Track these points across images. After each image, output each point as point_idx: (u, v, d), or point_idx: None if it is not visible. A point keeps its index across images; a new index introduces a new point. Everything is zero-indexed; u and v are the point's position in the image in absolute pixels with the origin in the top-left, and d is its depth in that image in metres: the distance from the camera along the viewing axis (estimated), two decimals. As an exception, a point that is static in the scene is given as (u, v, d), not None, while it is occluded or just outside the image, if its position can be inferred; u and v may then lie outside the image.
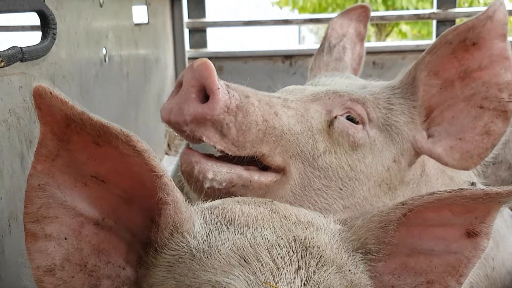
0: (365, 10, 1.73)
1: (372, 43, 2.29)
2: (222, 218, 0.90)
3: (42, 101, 0.76)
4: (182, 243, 0.87)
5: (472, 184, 1.45)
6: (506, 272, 1.40)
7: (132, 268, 0.92)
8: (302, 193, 1.21)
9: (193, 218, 0.89)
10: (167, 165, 2.60)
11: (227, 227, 0.88)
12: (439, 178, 1.39)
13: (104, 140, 0.80)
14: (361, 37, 1.74)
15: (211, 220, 0.90)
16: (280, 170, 1.21)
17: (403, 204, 0.89)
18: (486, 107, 1.26)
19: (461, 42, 1.25)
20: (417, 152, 1.30)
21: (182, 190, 1.28)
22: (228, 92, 1.12)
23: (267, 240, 0.85)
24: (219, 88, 1.10)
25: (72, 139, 0.80)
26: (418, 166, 1.34)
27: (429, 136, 1.30)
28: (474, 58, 1.26)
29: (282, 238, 0.85)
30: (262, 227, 0.88)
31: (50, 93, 0.75)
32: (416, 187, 1.32)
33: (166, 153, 2.77)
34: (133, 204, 0.91)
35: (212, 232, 0.87)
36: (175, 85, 1.18)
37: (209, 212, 0.92)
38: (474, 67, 1.27)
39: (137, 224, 0.91)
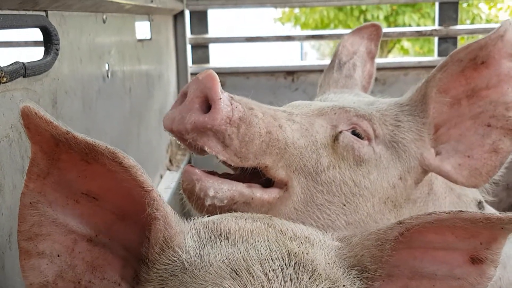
0: (376, 29, 1.74)
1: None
2: (217, 232, 0.89)
3: (30, 121, 0.77)
4: (173, 258, 0.86)
5: (479, 203, 1.44)
6: (514, 291, 1.38)
7: (127, 284, 0.92)
8: (305, 208, 1.20)
9: (184, 232, 0.89)
10: (169, 180, 2.59)
11: (221, 240, 0.87)
12: (447, 197, 1.38)
13: (92, 158, 0.81)
14: (372, 55, 1.75)
15: (205, 234, 0.89)
16: (282, 185, 1.20)
17: (400, 223, 0.87)
18: (493, 125, 1.26)
19: (471, 61, 1.26)
20: (425, 170, 1.29)
21: (184, 208, 1.28)
22: (231, 104, 1.12)
23: (260, 253, 0.84)
24: (220, 98, 1.10)
25: (62, 157, 0.82)
26: (425, 184, 1.33)
27: (436, 154, 1.29)
28: (482, 76, 1.26)
29: (275, 252, 0.85)
30: (256, 241, 0.87)
31: (35, 113, 0.76)
32: (424, 206, 1.31)
33: (168, 169, 2.76)
34: (127, 220, 0.91)
35: (205, 246, 0.87)
36: (179, 95, 1.18)
37: (204, 226, 0.91)
38: (482, 86, 1.27)
39: (132, 240, 0.91)
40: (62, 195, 0.85)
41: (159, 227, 0.86)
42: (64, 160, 0.82)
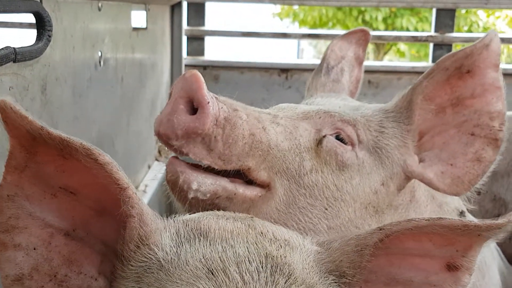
0: (365, 34, 1.75)
1: (369, 62, 2.30)
2: (197, 231, 0.90)
3: (7, 116, 0.78)
4: (149, 255, 0.87)
5: (461, 212, 1.46)
6: (490, 301, 1.40)
7: (105, 279, 0.92)
8: (287, 210, 1.20)
9: (160, 230, 0.89)
10: (157, 171, 2.59)
11: (200, 239, 0.88)
12: (428, 205, 1.39)
13: (68, 153, 0.82)
14: (360, 61, 1.75)
15: (184, 232, 0.89)
16: (265, 186, 1.20)
17: (380, 229, 0.88)
18: (477, 134, 1.27)
19: (457, 69, 1.27)
20: (408, 177, 1.30)
21: (168, 198, 1.29)
22: (217, 104, 1.12)
23: (237, 254, 0.85)
24: (208, 102, 1.09)
25: (39, 151, 0.83)
26: (408, 191, 1.34)
27: (420, 161, 1.30)
28: (467, 85, 1.27)
29: (253, 254, 0.85)
30: (235, 242, 0.87)
31: (11, 108, 0.77)
32: (405, 212, 1.32)
33: (157, 159, 2.76)
34: (105, 216, 0.91)
35: (183, 244, 0.87)
36: (169, 96, 1.18)
37: (184, 224, 0.92)
38: (466, 95, 1.28)
39: (109, 235, 0.92)
40: (40, 189, 0.86)
41: (134, 224, 0.87)
42: (42, 154, 0.83)
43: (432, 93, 1.28)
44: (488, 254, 1.50)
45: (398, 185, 1.30)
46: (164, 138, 1.13)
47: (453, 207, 1.45)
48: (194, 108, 1.11)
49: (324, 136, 1.25)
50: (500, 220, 0.83)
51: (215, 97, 1.14)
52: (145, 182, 2.40)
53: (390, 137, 1.29)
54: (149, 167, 2.57)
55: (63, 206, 0.88)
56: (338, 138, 1.26)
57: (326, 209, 1.21)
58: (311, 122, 1.27)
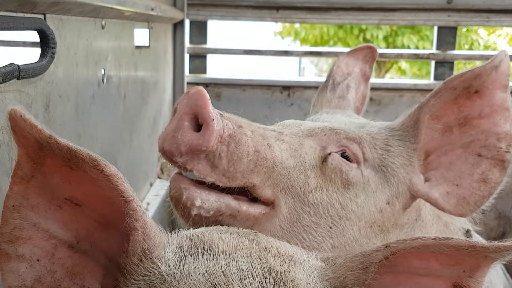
0: (371, 50, 1.74)
1: (371, 80, 2.31)
2: (200, 245, 0.89)
3: (16, 124, 0.78)
4: (152, 269, 0.86)
5: (467, 231, 1.44)
6: (496, 322, 1.38)
7: None
8: (291, 228, 1.19)
9: (164, 244, 0.88)
10: (159, 188, 2.58)
11: (203, 253, 0.87)
12: (434, 224, 1.38)
13: (75, 164, 0.82)
14: (366, 77, 1.75)
15: (187, 246, 0.89)
16: (269, 203, 1.19)
17: (386, 247, 0.87)
18: (484, 155, 1.26)
19: (465, 89, 1.26)
20: (413, 196, 1.28)
21: (171, 215, 1.27)
22: (222, 121, 1.11)
23: (241, 269, 0.84)
24: (213, 119, 1.09)
25: (46, 161, 0.83)
26: (413, 210, 1.33)
27: (425, 180, 1.29)
28: (475, 105, 1.27)
29: (257, 269, 0.84)
30: (239, 256, 0.87)
31: (21, 116, 0.77)
32: (411, 232, 1.31)
33: (159, 177, 2.75)
34: (109, 229, 0.91)
35: (186, 258, 0.86)
36: (172, 113, 1.17)
37: (188, 239, 0.91)
38: (474, 115, 1.27)
39: (113, 248, 0.91)
40: (45, 200, 0.85)
41: (138, 238, 0.86)
42: (48, 165, 0.83)
43: (439, 112, 1.27)
44: (494, 273, 1.48)
45: (403, 204, 1.28)
46: (168, 154, 1.13)
47: (459, 226, 1.43)
48: (199, 124, 1.11)
49: (329, 154, 1.24)
50: (508, 242, 0.82)
51: (220, 114, 1.13)
52: (147, 199, 2.38)
53: (396, 155, 1.28)
54: (151, 184, 2.56)
55: (67, 217, 0.88)
56: (343, 155, 1.25)
57: (331, 227, 1.20)
58: (316, 139, 1.26)
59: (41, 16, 1.25)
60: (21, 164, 0.83)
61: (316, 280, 0.88)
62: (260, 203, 1.19)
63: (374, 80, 1.89)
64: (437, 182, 1.27)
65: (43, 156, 0.82)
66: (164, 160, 2.80)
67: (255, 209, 1.17)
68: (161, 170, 2.80)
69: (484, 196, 1.25)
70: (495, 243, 0.82)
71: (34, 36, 1.27)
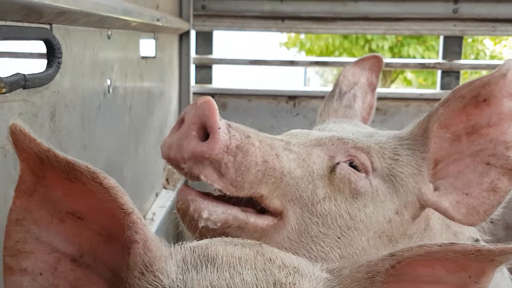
0: (378, 60, 1.74)
1: (377, 89, 2.29)
2: (204, 257, 0.88)
3: (17, 139, 0.79)
4: (154, 282, 0.85)
5: (476, 241, 1.43)
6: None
7: None
8: (299, 239, 1.18)
9: (166, 257, 0.87)
10: (165, 199, 2.57)
11: (207, 266, 0.86)
12: (443, 234, 1.37)
13: (74, 177, 0.82)
14: (373, 87, 1.74)
15: (191, 259, 0.88)
16: (277, 214, 1.18)
17: (392, 255, 0.86)
18: (493, 164, 1.25)
19: (473, 98, 1.25)
20: (422, 205, 1.27)
21: (177, 228, 1.26)
22: (229, 132, 1.11)
23: (245, 281, 0.83)
24: (220, 128, 1.08)
25: (47, 175, 0.83)
26: (422, 220, 1.32)
27: (434, 189, 1.28)
28: (483, 114, 1.26)
29: (262, 281, 0.83)
30: (243, 268, 0.86)
31: (21, 130, 0.78)
32: (420, 241, 1.29)
33: (164, 187, 2.74)
34: (112, 242, 0.90)
35: (190, 271, 0.85)
36: (177, 121, 1.16)
37: (191, 251, 0.90)
38: (482, 123, 1.26)
39: (116, 262, 0.90)
40: (47, 213, 0.86)
41: (138, 250, 0.85)
42: (50, 178, 0.83)
43: (448, 121, 1.26)
44: (499, 274, 1.47)
45: (412, 214, 1.27)
46: (174, 162, 1.12)
47: (468, 236, 1.42)
48: (206, 135, 1.10)
49: (338, 163, 1.23)
50: None
51: (228, 124, 1.12)
52: (153, 210, 2.38)
53: (404, 164, 1.27)
54: (156, 195, 2.55)
55: (70, 231, 0.88)
56: (351, 165, 1.24)
57: (339, 238, 1.19)
58: (324, 149, 1.26)
59: (48, 26, 1.25)
60: (23, 178, 0.83)
61: None
62: (268, 214, 1.18)
63: (380, 89, 1.88)
64: (446, 191, 1.26)
65: (45, 170, 0.82)
66: (170, 170, 2.80)
67: (263, 221, 1.16)
68: (167, 180, 2.79)
69: (493, 205, 1.23)
70: (501, 245, 0.81)
71: (40, 46, 1.27)
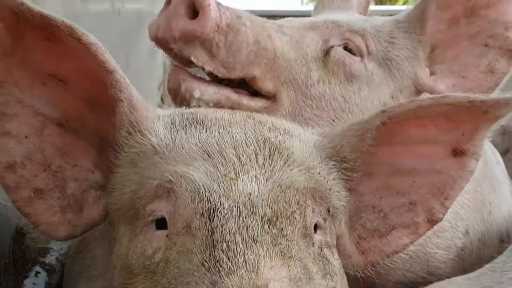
0: None
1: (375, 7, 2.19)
2: (193, 120, 0.88)
3: None
4: (142, 141, 0.85)
5: None
6: (502, 217, 1.36)
7: (102, 173, 0.90)
8: (292, 122, 1.16)
9: (154, 118, 0.87)
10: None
11: (196, 126, 0.86)
12: None
13: (52, 34, 0.80)
14: None
15: (180, 121, 0.88)
16: (270, 97, 1.16)
17: (382, 112, 0.85)
18: (491, 45, 1.22)
19: None
20: (418, 90, 1.25)
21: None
22: (219, 10, 1.07)
23: (234, 139, 0.83)
24: (210, 5, 1.05)
25: (25, 35, 0.82)
26: None
27: (431, 74, 1.25)
28: None
29: (251, 138, 0.84)
30: (233, 128, 0.86)
31: None
32: None
33: (160, 107, 2.72)
34: (98, 107, 0.89)
35: (178, 131, 0.85)
36: (165, 2, 1.12)
37: (179, 115, 0.90)
38: (481, 4, 1.23)
39: (104, 127, 0.89)
40: (28, 76, 0.84)
41: (124, 109, 0.85)
42: (28, 38, 0.82)
43: (447, 2, 1.22)
44: (499, 171, 1.47)
45: (408, 99, 1.24)
46: (162, 42, 1.09)
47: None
48: (195, 13, 1.06)
49: (332, 47, 1.20)
50: (507, 96, 0.80)
51: (218, 2, 1.08)
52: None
53: (400, 48, 1.24)
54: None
55: (53, 95, 0.86)
56: (346, 49, 1.21)
57: (333, 120, 1.17)
58: (319, 32, 1.22)
59: None
60: (1, 39, 0.81)
61: (312, 150, 0.87)
62: (261, 96, 1.16)
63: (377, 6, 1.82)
64: (442, 75, 1.24)
65: (22, 30, 0.81)
66: (165, 90, 2.76)
67: (256, 103, 1.14)
68: (162, 100, 2.76)
69: (490, 87, 1.22)
70: (494, 96, 0.80)
71: None
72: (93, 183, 0.89)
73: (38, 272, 1.25)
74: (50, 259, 1.29)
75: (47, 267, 1.26)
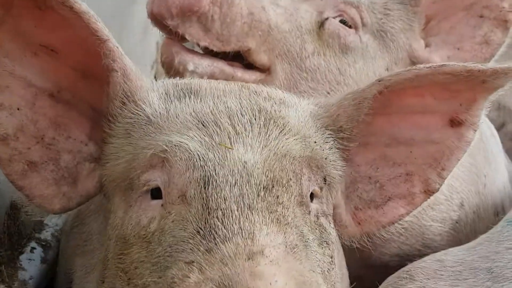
0: None
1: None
2: (187, 90, 0.87)
3: None
4: (136, 111, 0.84)
5: None
6: (497, 190, 1.38)
7: (96, 145, 0.90)
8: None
9: (148, 88, 0.86)
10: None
11: (190, 96, 0.85)
12: None
13: (43, 3, 0.78)
14: None
15: (174, 91, 0.87)
16: (265, 69, 1.16)
17: (379, 81, 0.84)
18: (486, 16, 1.22)
19: None
20: (413, 62, 1.25)
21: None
22: None
23: (229, 108, 0.82)
24: None
25: (14, 3, 0.80)
26: None
27: (426, 46, 1.26)
28: None
29: (246, 108, 0.83)
30: (227, 98, 0.85)
31: None
32: None
33: (153, 85, 2.69)
34: (90, 77, 0.88)
35: (173, 101, 0.85)
36: None
37: (173, 85, 0.89)
38: None
39: (97, 97, 0.88)
40: (19, 46, 0.83)
41: (117, 79, 0.83)
42: (17, 7, 0.80)
43: None
44: (494, 144, 1.48)
45: (403, 71, 1.24)
46: (158, 17, 1.08)
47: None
48: None
49: (327, 19, 1.20)
50: (506, 65, 0.79)
51: None
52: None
53: (395, 19, 1.23)
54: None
55: (45, 65, 0.85)
56: (341, 21, 1.21)
57: (328, 93, 1.17)
58: (313, 4, 1.22)
59: None
60: None
61: (308, 119, 0.87)
62: (255, 69, 1.16)
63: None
64: (437, 47, 1.24)
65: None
66: (158, 70, 2.73)
67: (250, 75, 1.14)
68: (155, 78, 2.74)
69: (486, 58, 1.22)
70: (492, 65, 0.79)
71: None
72: (87, 155, 0.89)
73: (33, 248, 1.24)
74: (46, 234, 1.28)
75: (43, 243, 1.26)
